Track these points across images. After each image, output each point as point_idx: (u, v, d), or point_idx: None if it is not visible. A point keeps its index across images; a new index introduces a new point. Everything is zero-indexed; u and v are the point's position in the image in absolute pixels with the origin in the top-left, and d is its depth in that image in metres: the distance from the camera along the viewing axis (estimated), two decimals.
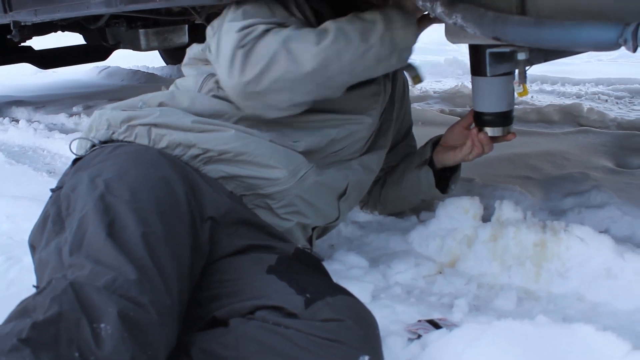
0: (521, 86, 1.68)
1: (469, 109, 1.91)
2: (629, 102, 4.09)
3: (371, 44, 1.59)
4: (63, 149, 3.41)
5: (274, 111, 1.61)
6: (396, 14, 1.64)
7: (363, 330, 1.23)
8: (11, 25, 3.56)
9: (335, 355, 1.17)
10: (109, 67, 6.72)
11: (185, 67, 1.83)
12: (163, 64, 6.99)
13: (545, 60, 1.62)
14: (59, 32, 4.61)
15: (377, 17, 1.61)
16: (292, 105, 1.61)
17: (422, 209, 2.20)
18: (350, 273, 1.81)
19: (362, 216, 2.24)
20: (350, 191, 1.81)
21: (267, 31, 1.56)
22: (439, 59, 5.83)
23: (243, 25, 1.56)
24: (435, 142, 2.03)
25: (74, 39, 5.14)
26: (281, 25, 1.60)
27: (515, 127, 1.90)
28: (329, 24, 1.60)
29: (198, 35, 4.09)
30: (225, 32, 1.58)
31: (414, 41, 1.67)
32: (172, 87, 1.80)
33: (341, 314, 1.23)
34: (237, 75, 1.54)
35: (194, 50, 1.80)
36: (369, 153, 1.90)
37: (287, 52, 1.52)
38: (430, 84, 5.14)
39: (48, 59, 5.37)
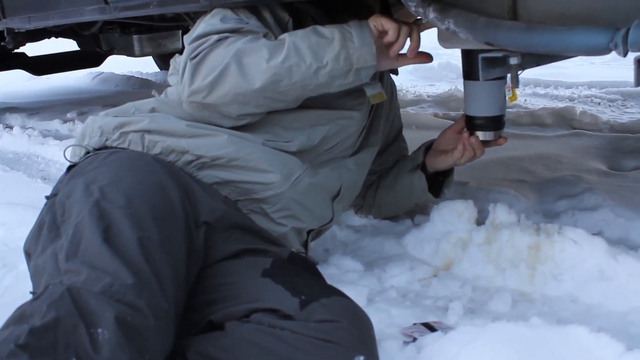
0: (510, 91, 1.69)
1: (463, 112, 1.92)
2: (622, 105, 4.10)
3: (325, 62, 1.56)
4: (57, 156, 3.41)
5: (227, 120, 1.62)
6: (356, 31, 1.58)
7: (358, 330, 1.23)
8: (5, 32, 3.56)
9: (331, 356, 1.18)
10: (102, 73, 6.72)
11: (170, 77, 1.84)
12: (157, 69, 6.98)
13: (537, 65, 1.63)
14: (53, 39, 4.60)
15: (335, 34, 1.58)
16: (243, 115, 1.62)
17: (417, 212, 2.21)
18: (345, 277, 1.82)
19: (357, 220, 2.24)
20: (344, 192, 1.82)
21: (219, 41, 1.56)
22: (432, 63, 5.81)
23: (196, 36, 1.59)
24: (428, 147, 2.04)
25: (68, 45, 5.14)
26: (237, 31, 1.60)
27: (508, 130, 1.91)
28: (285, 38, 1.59)
29: None
30: (186, 43, 1.62)
31: (372, 61, 1.60)
32: (162, 96, 1.81)
33: (336, 315, 1.24)
34: (187, 86, 1.57)
35: (177, 60, 1.81)
36: (361, 152, 1.91)
37: (238, 66, 1.53)
38: (423, 88, 5.16)
39: (42, 66, 5.36)
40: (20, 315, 1.10)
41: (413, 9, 1.53)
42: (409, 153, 2.19)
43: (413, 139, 2.28)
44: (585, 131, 3.32)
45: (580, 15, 1.36)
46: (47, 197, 1.53)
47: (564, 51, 1.32)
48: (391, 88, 2.17)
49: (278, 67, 1.54)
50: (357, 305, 1.32)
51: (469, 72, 1.75)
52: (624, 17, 1.26)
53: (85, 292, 1.10)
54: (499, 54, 1.55)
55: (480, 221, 1.96)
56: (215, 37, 1.57)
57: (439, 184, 2.07)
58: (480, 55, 1.60)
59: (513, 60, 1.52)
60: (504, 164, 2.71)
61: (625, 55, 1.20)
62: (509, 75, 1.62)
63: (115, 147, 1.61)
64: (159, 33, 4.26)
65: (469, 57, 1.72)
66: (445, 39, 1.63)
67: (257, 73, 1.53)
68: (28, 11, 3.08)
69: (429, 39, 1.68)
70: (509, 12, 1.47)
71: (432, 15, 1.47)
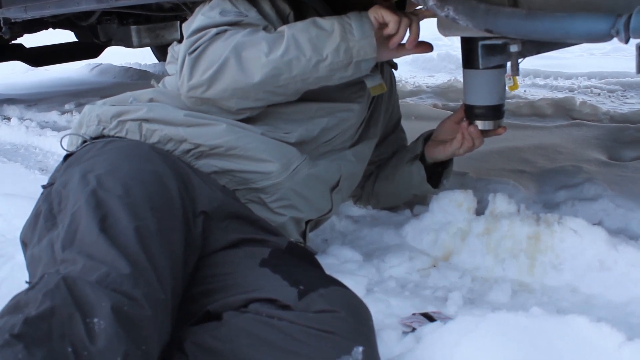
0: (511, 79, 1.68)
1: (462, 102, 1.91)
2: (621, 96, 4.10)
3: (325, 55, 1.55)
4: (55, 147, 3.40)
5: (227, 114, 1.61)
6: (356, 23, 1.56)
7: (356, 321, 1.22)
8: (1, 22, 3.54)
9: (329, 346, 1.17)
10: (101, 64, 6.70)
11: (168, 66, 1.83)
12: (155, 60, 6.96)
13: (538, 53, 1.62)
14: (50, 30, 4.58)
15: (335, 26, 1.56)
16: (243, 109, 1.61)
17: (416, 203, 2.20)
18: (344, 267, 1.81)
19: (356, 210, 2.24)
20: (342, 183, 1.81)
21: (218, 34, 1.55)
22: (432, 53, 5.81)
23: (195, 29, 1.58)
24: (427, 137, 2.03)
25: (66, 36, 5.12)
26: (236, 24, 1.59)
27: (508, 120, 1.90)
28: (284, 30, 1.57)
29: None
30: (185, 35, 1.60)
31: (372, 53, 1.58)
32: (160, 86, 1.80)
33: (334, 305, 1.22)
34: (186, 81, 1.56)
35: (175, 48, 1.80)
36: (360, 143, 1.90)
37: (237, 60, 1.52)
38: (422, 79, 5.15)
39: (39, 57, 5.34)
40: (15, 305, 1.08)
41: None
42: (408, 143, 2.18)
43: (412, 130, 2.27)
44: (585, 122, 3.32)
45: (580, 1, 1.35)
46: (44, 187, 1.52)
47: (565, 38, 1.31)
48: (390, 79, 2.16)
49: (277, 61, 1.52)
50: (355, 295, 1.31)
51: (469, 60, 1.73)
52: (625, 4, 1.25)
53: (81, 281, 1.09)
54: (499, 42, 1.54)
55: (479, 211, 1.95)
56: (214, 30, 1.56)
57: (438, 174, 2.06)
58: (480, 43, 1.59)
59: (513, 48, 1.51)
60: (504, 155, 2.71)
61: (627, 41, 1.19)
62: (509, 64, 1.61)
63: (113, 136, 1.60)
64: (157, 24, 4.25)
65: (468, 45, 1.71)
66: (444, 27, 1.62)
67: (257, 67, 1.52)
68: (24, 0, 3.06)
69: (428, 29, 1.67)
70: None
71: (431, 2, 1.46)
